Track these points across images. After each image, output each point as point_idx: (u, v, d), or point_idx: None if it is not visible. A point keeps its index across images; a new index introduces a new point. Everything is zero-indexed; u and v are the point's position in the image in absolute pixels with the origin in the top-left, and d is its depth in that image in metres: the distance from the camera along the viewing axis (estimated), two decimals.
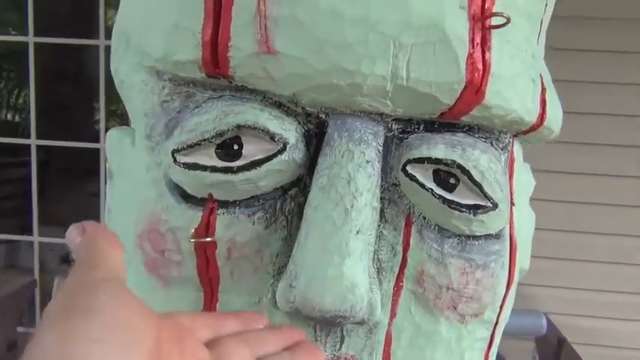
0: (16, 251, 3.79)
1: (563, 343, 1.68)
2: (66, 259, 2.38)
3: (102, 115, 2.39)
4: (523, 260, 0.43)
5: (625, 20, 2.13)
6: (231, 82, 0.33)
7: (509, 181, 0.38)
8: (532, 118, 0.36)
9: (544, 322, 0.41)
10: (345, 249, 0.31)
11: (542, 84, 0.38)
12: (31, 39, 2.38)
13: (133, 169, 0.38)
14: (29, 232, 2.86)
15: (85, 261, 0.26)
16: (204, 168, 0.33)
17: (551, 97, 0.39)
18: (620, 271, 2.30)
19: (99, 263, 0.26)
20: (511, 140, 0.38)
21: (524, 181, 0.43)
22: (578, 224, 2.30)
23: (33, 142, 2.50)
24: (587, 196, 2.29)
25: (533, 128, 0.37)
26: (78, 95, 3.66)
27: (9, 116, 4.42)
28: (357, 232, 0.31)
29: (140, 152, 0.37)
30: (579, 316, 2.31)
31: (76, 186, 3.63)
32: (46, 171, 3.54)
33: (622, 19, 2.13)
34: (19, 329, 2.37)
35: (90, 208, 2.96)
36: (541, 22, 0.39)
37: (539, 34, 0.39)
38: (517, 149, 0.40)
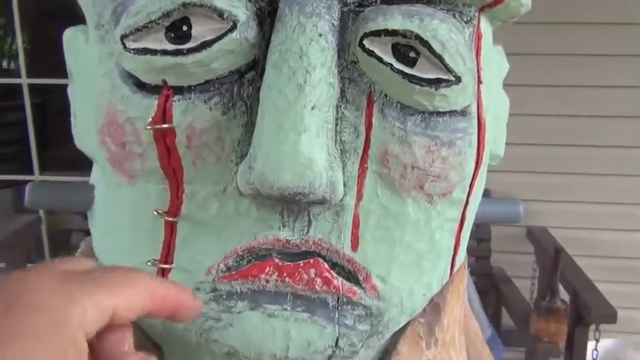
0: (23, 195, 3.83)
1: (560, 253, 1.70)
2: None
3: None
4: (496, 145, 0.42)
5: None
6: None
7: (476, 57, 0.37)
8: None
9: (521, 208, 0.42)
10: (301, 124, 0.30)
11: None
12: None
13: (88, 64, 0.37)
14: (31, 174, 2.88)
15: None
16: (154, 52, 0.32)
17: None
18: (617, 183, 2.31)
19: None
20: (476, 15, 0.36)
21: (495, 61, 0.42)
22: (576, 138, 2.29)
23: (24, 81, 2.47)
24: (584, 108, 2.27)
25: (499, 0, 0.36)
26: None
27: (4, 64, 4.37)
28: (313, 107, 0.30)
29: (92, 45, 0.36)
30: (578, 228, 2.34)
31: None
32: (43, 114, 3.52)
33: None
34: (29, 265, 2.42)
35: None
36: None
37: None
38: (485, 26, 0.38)
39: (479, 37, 0.37)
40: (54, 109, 3.58)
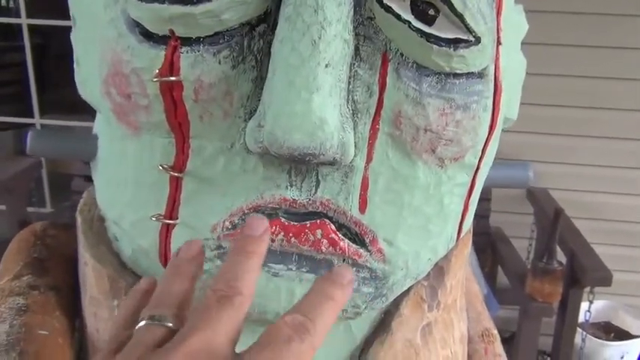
0: (23, 137, 3.81)
1: (560, 215, 1.71)
2: None
3: None
4: (509, 108, 0.41)
5: None
6: None
7: (497, 17, 0.35)
8: None
9: (530, 173, 0.41)
10: (313, 83, 0.29)
11: None
12: None
13: (92, 9, 0.36)
14: (32, 117, 2.86)
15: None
16: (162, 0, 0.31)
17: None
18: (620, 146, 2.30)
19: None
20: None
21: (515, 22, 0.40)
22: (579, 100, 2.27)
23: (24, 21, 2.42)
24: (590, 69, 2.23)
25: None
26: None
27: (3, 1, 4.26)
28: (327, 65, 0.29)
29: None
30: (579, 191, 2.34)
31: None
32: (44, 55, 3.47)
33: None
34: (30, 209, 2.43)
35: None
36: None
37: None
38: None
39: None
40: (55, 51, 3.52)
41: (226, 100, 0.32)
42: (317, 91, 0.29)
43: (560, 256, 1.83)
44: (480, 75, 0.34)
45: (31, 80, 2.70)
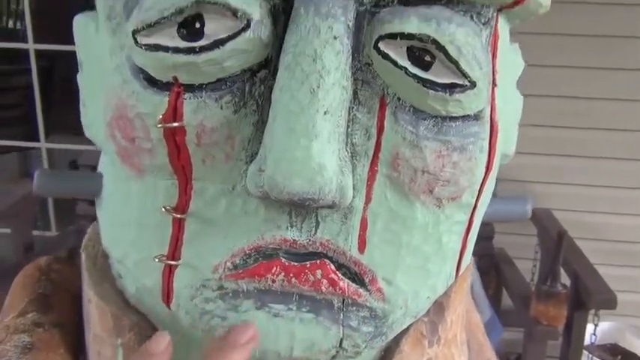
0: (28, 159, 3.83)
1: (563, 237, 1.70)
2: (74, 165, 2.41)
3: None
4: (507, 145, 0.42)
5: None
6: None
7: (492, 60, 0.36)
8: None
9: (529, 207, 0.41)
10: (312, 130, 0.30)
11: None
12: None
13: (99, 55, 0.37)
14: (38, 140, 2.88)
15: None
16: (166, 49, 0.31)
17: None
18: (623, 166, 2.30)
19: None
20: (495, 15, 0.35)
21: (510, 61, 0.41)
22: (579, 121, 2.28)
23: (31, 46, 2.46)
24: (589, 90, 2.25)
25: (518, 1, 0.35)
26: None
27: (10, 23, 4.31)
28: (325, 112, 0.30)
29: (103, 36, 0.36)
30: (582, 211, 2.34)
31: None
32: (49, 79, 3.51)
33: None
34: (35, 233, 2.44)
35: None
36: None
37: None
38: (503, 26, 0.38)
39: (496, 39, 0.37)
40: (60, 74, 3.56)
41: (228, 144, 0.33)
42: (316, 137, 0.30)
43: (564, 277, 1.82)
44: (476, 117, 0.35)
45: (37, 103, 2.72)
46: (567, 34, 2.20)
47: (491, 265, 2.21)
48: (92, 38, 0.38)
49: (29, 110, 3.02)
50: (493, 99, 0.37)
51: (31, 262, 0.50)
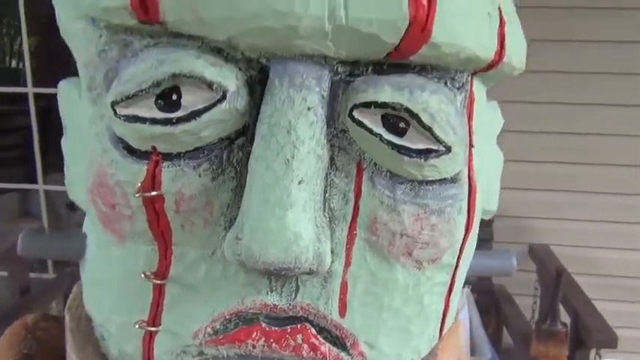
0: (27, 199, 3.84)
1: (562, 275, 1.69)
2: (72, 206, 2.41)
3: None
4: (488, 201, 0.42)
5: None
6: (166, 28, 0.32)
7: (469, 122, 0.37)
8: (488, 54, 0.34)
9: (514, 261, 0.41)
10: (287, 200, 0.30)
11: (502, 16, 0.36)
12: None
13: (80, 122, 0.37)
14: (36, 180, 2.89)
15: None
16: (143, 120, 0.32)
17: (512, 30, 0.37)
18: (620, 201, 2.30)
19: None
20: (469, 79, 0.36)
21: (488, 120, 0.41)
22: (577, 156, 2.29)
23: (30, 90, 2.49)
24: (588, 126, 2.27)
25: (492, 65, 0.36)
26: None
27: (13, 63, 4.36)
28: (300, 182, 0.30)
29: (84, 105, 0.36)
30: (580, 246, 2.33)
31: None
32: (48, 119, 3.54)
33: None
34: (32, 275, 2.43)
35: None
36: None
37: None
38: (478, 88, 0.38)
39: (471, 101, 0.37)
40: (59, 114, 3.60)
41: (207, 210, 0.33)
42: (291, 207, 0.30)
43: (564, 314, 1.80)
44: (454, 180, 0.35)
45: (36, 144, 2.74)
46: (556, 71, 2.23)
47: (491, 302, 2.19)
48: (75, 104, 0.39)
49: (28, 151, 3.04)
50: (470, 160, 0.37)
51: (19, 320, 0.50)
